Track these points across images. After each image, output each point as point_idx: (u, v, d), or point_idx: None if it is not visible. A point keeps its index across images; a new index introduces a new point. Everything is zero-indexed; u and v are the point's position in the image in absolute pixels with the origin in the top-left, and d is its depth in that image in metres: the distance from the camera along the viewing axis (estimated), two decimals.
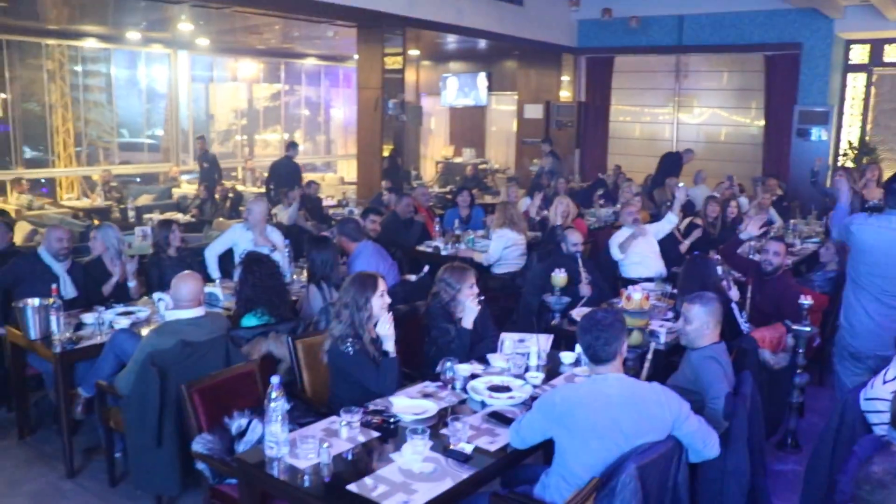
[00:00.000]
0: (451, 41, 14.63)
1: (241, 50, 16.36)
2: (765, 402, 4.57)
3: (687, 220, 7.49)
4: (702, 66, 14.74)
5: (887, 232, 4.31)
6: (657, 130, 15.25)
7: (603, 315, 3.11)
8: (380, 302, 3.86)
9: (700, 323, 3.71)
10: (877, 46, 13.55)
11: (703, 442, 3.16)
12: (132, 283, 5.62)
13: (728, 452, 3.53)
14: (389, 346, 3.86)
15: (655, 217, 7.82)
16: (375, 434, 3.33)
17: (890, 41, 13.41)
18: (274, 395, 3.07)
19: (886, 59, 13.61)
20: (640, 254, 6.63)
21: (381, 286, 3.89)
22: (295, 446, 3.09)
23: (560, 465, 3.09)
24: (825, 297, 5.79)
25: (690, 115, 15.00)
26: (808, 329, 4.81)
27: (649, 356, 4.15)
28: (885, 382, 3.56)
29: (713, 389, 3.55)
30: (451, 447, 3.19)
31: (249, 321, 4.55)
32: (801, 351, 4.93)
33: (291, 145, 12.07)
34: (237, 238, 6.36)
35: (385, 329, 3.84)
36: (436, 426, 3.40)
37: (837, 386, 4.68)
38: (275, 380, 3.10)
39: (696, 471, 3.50)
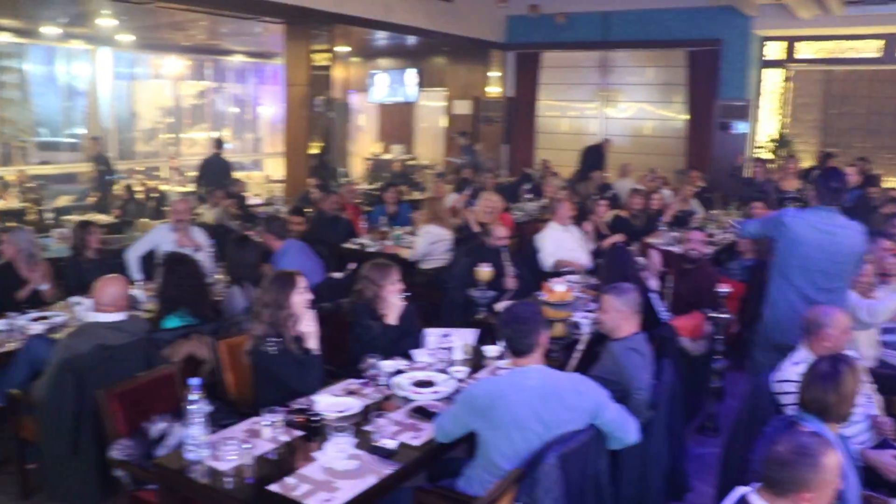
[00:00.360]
0: (380, 38, 14.55)
1: (167, 46, 15.97)
2: (685, 388, 4.70)
3: (612, 214, 7.62)
4: (627, 62, 14.98)
5: (818, 232, 4.42)
6: (584, 125, 15.45)
7: (522, 308, 3.16)
8: (300, 299, 3.82)
9: (616, 313, 3.78)
10: (790, 43, 14.05)
11: (623, 429, 3.23)
12: (44, 287, 5.44)
13: (649, 439, 3.61)
14: (312, 343, 3.84)
15: (580, 210, 7.92)
16: (299, 433, 3.30)
17: (802, 38, 13.91)
18: (194, 396, 3.02)
19: (800, 55, 14.11)
20: (566, 248, 6.73)
21: (301, 283, 3.85)
22: (216, 448, 3.04)
23: (482, 457, 3.12)
24: (742, 285, 5.96)
25: (616, 109, 15.24)
26: (725, 316, 4.96)
27: (580, 346, 4.22)
28: (793, 364, 3.70)
29: (637, 380, 3.61)
30: (375, 444, 3.19)
31: (171, 322, 4.46)
32: (719, 337, 5.07)
33: (217, 142, 11.90)
34: (159, 239, 6.23)
35: (307, 327, 3.82)
36: (360, 423, 3.38)
37: (754, 372, 4.81)
38: (194, 381, 3.05)
39: (618, 457, 3.58)
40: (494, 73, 15.66)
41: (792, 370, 3.66)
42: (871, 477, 3.51)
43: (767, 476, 2.32)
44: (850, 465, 3.09)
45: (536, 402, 3.00)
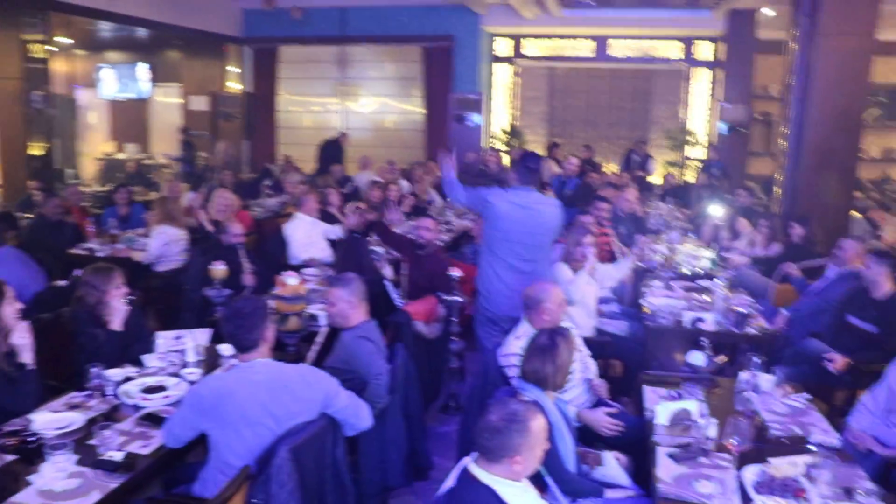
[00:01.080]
0: (106, 29, 13.66)
1: None
2: (424, 370, 4.88)
3: (351, 206, 7.69)
4: (366, 57, 15.22)
5: (518, 208, 4.80)
6: (326, 119, 15.51)
7: (244, 303, 3.13)
8: (9, 311, 3.52)
9: (343, 304, 3.84)
10: (517, 41, 15.03)
11: (356, 415, 3.30)
12: None
13: (386, 423, 3.72)
14: (27, 357, 3.55)
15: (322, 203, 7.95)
16: (12, 458, 3.04)
17: (527, 36, 14.91)
18: None
19: (526, 52, 15.12)
20: (310, 237, 6.74)
21: (9, 293, 3.55)
22: None
23: (215, 458, 3.05)
24: (475, 268, 6.27)
25: (358, 104, 15.45)
26: (458, 299, 5.21)
27: (318, 339, 4.24)
28: (516, 339, 3.97)
29: (372, 367, 3.67)
30: (101, 457, 3.02)
31: None
32: (454, 320, 5.32)
33: None
34: None
35: (20, 339, 3.53)
36: (83, 438, 3.19)
37: (480, 348, 5.12)
38: None
39: (357, 444, 3.66)
40: (233, 69, 15.26)
41: (515, 344, 3.92)
42: (588, 434, 3.85)
43: (482, 444, 2.47)
44: (567, 426, 3.38)
45: (265, 397, 2.98)
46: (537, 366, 3.27)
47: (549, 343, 3.30)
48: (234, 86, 15.23)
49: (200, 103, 14.89)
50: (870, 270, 4.91)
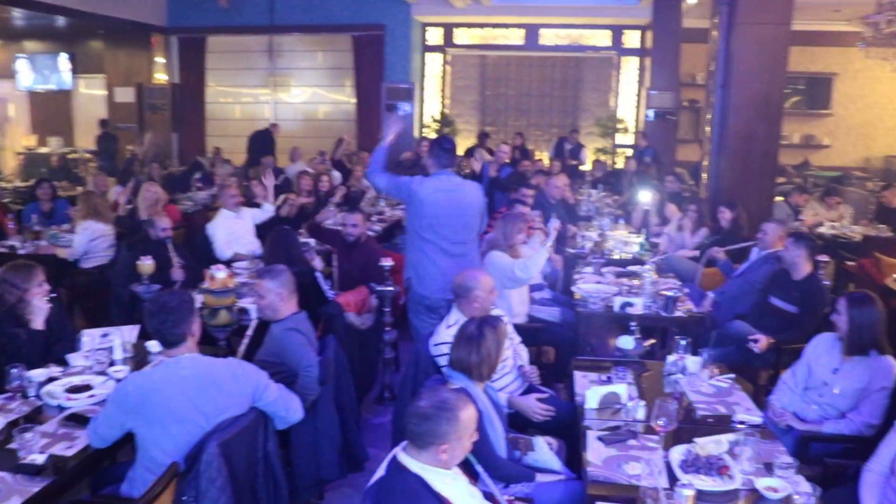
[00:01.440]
0: (19, 16, 13.18)
1: None
2: (357, 362, 4.87)
3: (282, 197, 7.62)
4: (296, 47, 15.05)
5: (441, 192, 4.83)
6: (257, 111, 15.30)
7: (169, 298, 3.06)
8: None
9: (273, 296, 3.80)
10: (448, 30, 15.02)
11: (286, 408, 3.27)
12: None
13: (318, 415, 3.70)
14: None
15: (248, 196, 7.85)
16: None
17: (458, 25, 14.94)
18: None
19: (457, 41, 15.14)
20: (238, 235, 6.64)
21: None
22: None
23: (143, 456, 2.99)
24: None
25: (289, 94, 15.28)
26: (390, 289, 5.20)
27: (249, 332, 4.19)
28: (447, 327, 3.98)
29: (304, 359, 3.64)
30: (22, 461, 2.93)
31: None
32: (387, 310, 5.31)
33: None
34: None
35: None
36: (3, 442, 3.09)
37: (416, 338, 5.13)
38: None
39: (290, 437, 3.63)
40: (159, 59, 14.92)
41: (446, 333, 3.92)
42: (520, 420, 3.89)
43: (410, 430, 2.47)
44: (498, 413, 3.41)
45: (193, 392, 2.94)
46: (463, 355, 3.27)
47: (476, 333, 3.30)
48: (161, 77, 14.89)
49: (126, 95, 14.52)
50: (789, 252, 5.07)
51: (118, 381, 3.68)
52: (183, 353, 3.04)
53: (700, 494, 2.76)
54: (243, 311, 4.63)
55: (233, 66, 15.26)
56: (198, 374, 2.99)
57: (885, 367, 3.70)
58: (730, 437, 3.15)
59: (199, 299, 4.66)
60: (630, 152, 13.82)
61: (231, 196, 6.80)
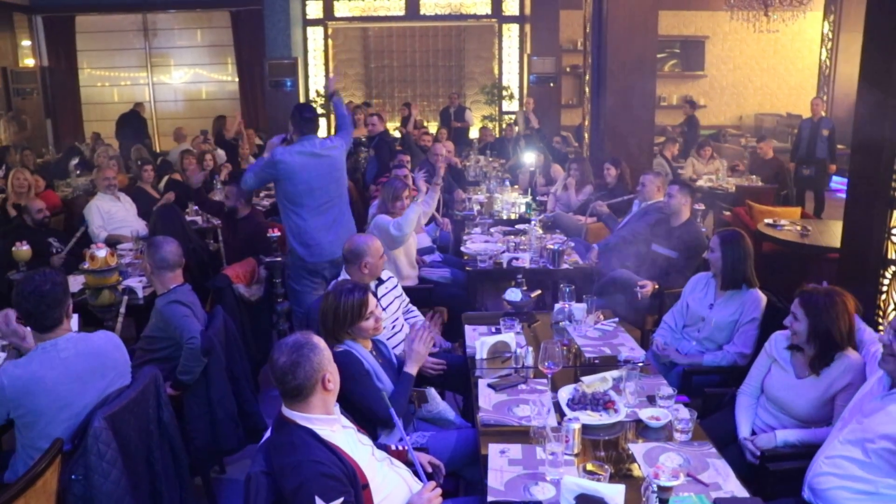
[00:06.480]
0: None
1: None
2: (250, 333, 4.83)
3: (165, 178, 7.44)
4: (173, 25, 14.61)
5: (307, 157, 4.99)
6: (135, 93, 14.79)
7: (41, 279, 2.92)
8: None
9: (156, 270, 3.74)
10: (328, 3, 14.83)
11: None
12: None
13: (210, 385, 3.67)
14: None
15: (132, 179, 7.62)
16: None
17: None
18: None
19: (338, 14, 14.96)
20: (117, 218, 6.48)
21: None
22: None
23: (28, 439, 2.90)
24: None
25: (168, 75, 14.81)
26: (279, 260, 5.18)
27: (122, 310, 4.12)
28: None
29: (186, 330, 3.58)
30: None
31: None
32: (277, 281, 5.27)
33: None
34: None
35: None
36: None
37: (299, 304, 5.17)
38: None
39: (184, 408, 3.59)
40: (26, 42, 14.18)
41: None
42: (417, 379, 3.94)
43: (288, 388, 2.40)
44: (391, 368, 3.43)
45: (79, 371, 2.86)
46: (322, 319, 3.27)
47: (332, 301, 3.26)
48: (29, 60, 14.18)
49: None
50: (674, 199, 5.28)
51: None
52: (59, 336, 2.94)
53: (588, 428, 2.88)
54: (132, 291, 4.53)
55: (106, 46, 14.68)
56: (79, 351, 2.92)
57: (754, 299, 3.95)
58: (614, 373, 3.30)
59: (79, 280, 4.55)
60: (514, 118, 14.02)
61: (104, 179, 6.60)
